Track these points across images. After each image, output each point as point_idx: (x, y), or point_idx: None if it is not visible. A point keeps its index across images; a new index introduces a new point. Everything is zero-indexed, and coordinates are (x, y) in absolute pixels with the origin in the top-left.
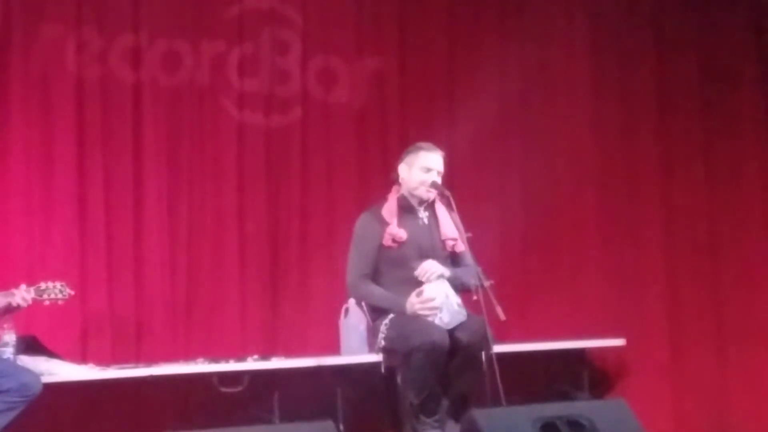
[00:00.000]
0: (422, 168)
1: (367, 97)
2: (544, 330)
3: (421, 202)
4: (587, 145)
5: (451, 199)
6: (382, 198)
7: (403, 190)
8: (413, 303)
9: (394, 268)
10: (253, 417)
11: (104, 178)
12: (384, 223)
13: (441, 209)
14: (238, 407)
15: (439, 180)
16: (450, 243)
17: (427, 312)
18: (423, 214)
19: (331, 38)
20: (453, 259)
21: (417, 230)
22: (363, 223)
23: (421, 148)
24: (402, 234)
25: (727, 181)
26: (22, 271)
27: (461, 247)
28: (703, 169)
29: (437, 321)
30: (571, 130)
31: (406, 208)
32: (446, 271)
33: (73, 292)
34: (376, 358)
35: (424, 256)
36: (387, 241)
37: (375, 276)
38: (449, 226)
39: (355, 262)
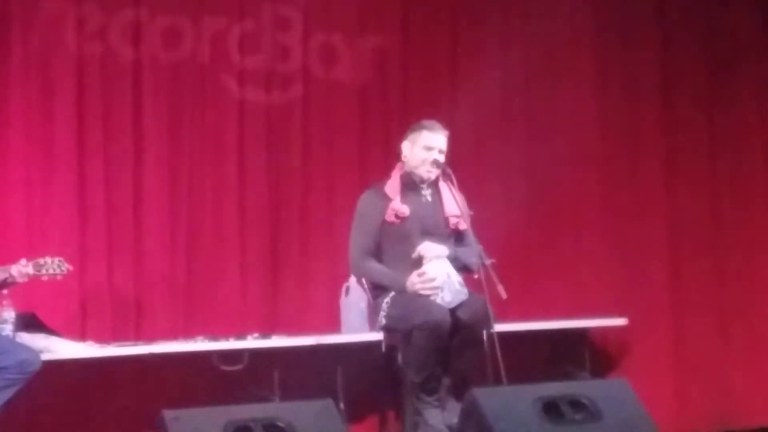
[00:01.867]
0: (424, 147)
1: (368, 75)
2: (545, 309)
3: (423, 180)
4: (590, 125)
5: (453, 176)
6: (385, 176)
7: (406, 168)
8: (414, 282)
9: (396, 245)
10: (253, 395)
11: (104, 154)
12: (387, 199)
13: (444, 187)
14: (238, 385)
15: (441, 159)
16: (453, 221)
17: (428, 291)
18: (426, 192)
19: (332, 15)
20: (455, 238)
21: (420, 207)
22: (366, 199)
23: (423, 127)
24: (405, 210)
25: (730, 158)
26: (21, 247)
27: (464, 225)
28: (706, 148)
29: (438, 300)
30: (575, 110)
31: (409, 185)
32: (445, 251)
33: (71, 268)
34: (377, 336)
35: (426, 233)
36: (390, 217)
37: (377, 252)
38: (452, 205)
39: (357, 239)
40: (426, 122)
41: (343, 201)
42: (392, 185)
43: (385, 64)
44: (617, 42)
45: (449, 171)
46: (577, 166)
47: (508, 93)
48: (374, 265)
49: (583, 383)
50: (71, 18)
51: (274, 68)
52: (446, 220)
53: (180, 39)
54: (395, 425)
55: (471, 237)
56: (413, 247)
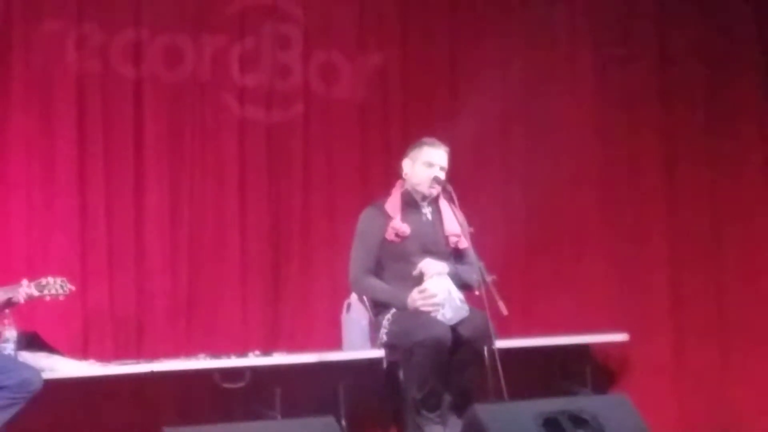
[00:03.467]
0: (425, 163)
1: (368, 93)
2: (546, 325)
3: (424, 197)
4: (590, 140)
5: (453, 194)
6: (386, 193)
7: (407, 185)
8: (415, 299)
9: (396, 263)
10: (254, 413)
11: (105, 173)
12: (387, 218)
13: (445, 205)
14: (240, 403)
15: (442, 175)
16: (453, 239)
17: (429, 308)
18: (427, 210)
19: (332, 33)
20: (456, 256)
21: (420, 225)
22: (366, 217)
23: (424, 144)
24: (405, 229)
25: (731, 175)
26: (23, 267)
27: (464, 243)
28: (706, 164)
29: (440, 317)
30: (574, 125)
31: (409, 203)
32: (445, 268)
33: (73, 288)
34: (378, 353)
35: (426, 251)
36: (390, 236)
37: (377, 270)
38: (452, 223)
39: (358, 256)
40: (427, 139)
41: (343, 218)
42: (393, 203)
43: (385, 82)
44: (616, 56)
45: (450, 188)
46: (578, 182)
47: (508, 109)
48: (374, 283)
49: (585, 399)
50: (72, 37)
51: (274, 86)
52: (446, 238)
53: (180, 57)
54: None
55: (472, 255)
56: (413, 265)
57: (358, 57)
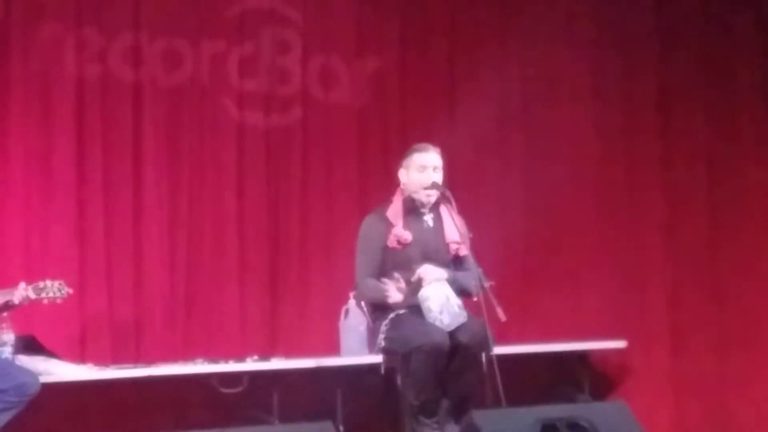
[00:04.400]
0: (418, 168)
1: (367, 97)
2: (544, 331)
3: (423, 204)
4: (588, 146)
5: (452, 199)
6: (385, 200)
7: (406, 194)
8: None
9: (398, 270)
10: (252, 418)
11: (103, 177)
12: (389, 225)
13: (445, 212)
14: (238, 408)
15: (438, 175)
16: (453, 247)
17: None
18: (428, 217)
19: (331, 38)
20: (456, 262)
21: (422, 233)
22: (368, 224)
23: (414, 150)
24: (407, 236)
25: (729, 181)
26: (21, 270)
27: (465, 250)
28: (704, 170)
29: (437, 323)
30: (572, 131)
31: (411, 210)
32: (444, 274)
33: (71, 291)
34: (376, 359)
35: (427, 259)
36: (392, 243)
37: (380, 277)
38: (453, 230)
39: (362, 264)
40: (416, 145)
41: (342, 223)
42: (394, 210)
43: (384, 86)
44: (615, 63)
45: (448, 194)
46: (576, 188)
47: (506, 114)
48: (369, 282)
49: (582, 405)
50: (71, 41)
51: (273, 91)
52: (447, 246)
53: (179, 62)
54: None
55: (470, 261)
56: (414, 272)
57: (357, 62)
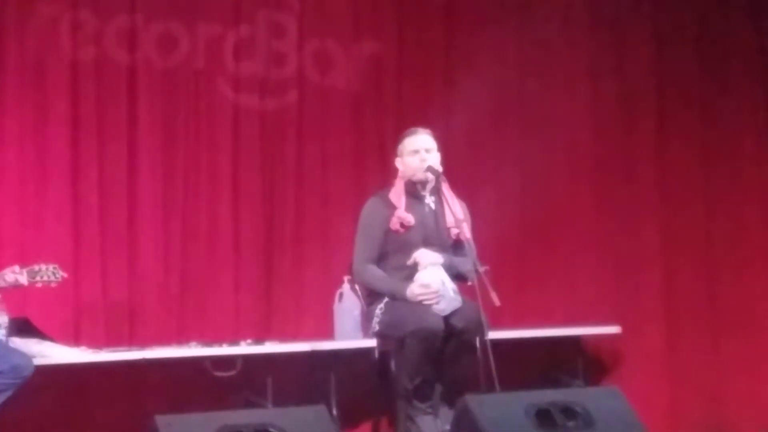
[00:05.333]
0: (410, 153)
1: (363, 81)
2: (539, 317)
3: (425, 186)
4: (584, 132)
5: (447, 184)
6: (382, 184)
7: (406, 179)
8: (415, 293)
9: (397, 253)
10: (246, 401)
11: (98, 160)
12: (392, 208)
13: (446, 196)
14: (232, 391)
15: (432, 156)
16: (454, 231)
17: (431, 296)
18: (429, 200)
19: (327, 22)
20: (456, 247)
21: (423, 216)
22: (370, 207)
23: (404, 136)
24: (410, 218)
25: (724, 167)
26: (15, 254)
27: (465, 234)
28: (699, 156)
29: (432, 308)
30: (569, 116)
31: (412, 194)
32: (440, 259)
33: (65, 275)
34: (370, 343)
35: (428, 242)
36: (394, 225)
37: (379, 261)
38: (452, 214)
39: (361, 246)
40: (406, 131)
41: (337, 207)
42: (396, 193)
43: (380, 70)
44: (611, 48)
45: (443, 178)
46: (572, 173)
47: (503, 99)
48: (376, 272)
49: (576, 391)
50: (66, 23)
51: (268, 74)
52: (448, 230)
53: (175, 45)
54: (388, 431)
55: (467, 246)
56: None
57: (353, 46)
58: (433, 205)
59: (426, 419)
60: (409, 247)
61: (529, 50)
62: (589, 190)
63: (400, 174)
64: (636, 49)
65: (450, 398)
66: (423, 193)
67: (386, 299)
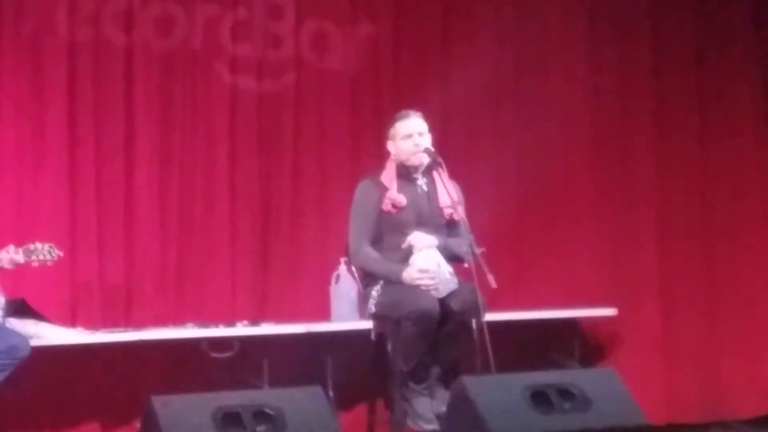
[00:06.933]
0: (403, 137)
1: (361, 63)
2: (535, 299)
3: (417, 168)
4: (581, 113)
5: (442, 164)
6: (378, 166)
7: (398, 162)
8: (413, 276)
9: (391, 234)
10: (242, 382)
11: (95, 141)
12: (383, 189)
13: (438, 177)
14: (228, 372)
15: (424, 139)
16: (447, 211)
17: (428, 282)
18: (421, 181)
19: (325, 3)
20: (450, 227)
21: (416, 197)
22: (362, 189)
23: (396, 120)
24: (402, 199)
25: (722, 149)
26: (11, 234)
27: (459, 215)
28: (697, 139)
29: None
30: (566, 99)
31: (404, 176)
32: (435, 241)
33: (62, 254)
34: (367, 324)
35: (421, 223)
36: (386, 206)
37: (373, 243)
38: (446, 195)
39: (357, 228)
40: (397, 114)
41: (334, 189)
42: (388, 175)
43: (378, 53)
44: (610, 31)
45: (440, 160)
46: (568, 156)
47: (500, 82)
48: (373, 255)
49: (572, 372)
50: (63, 4)
51: (266, 56)
52: (441, 210)
53: (172, 26)
54: (384, 413)
55: (462, 227)
56: (407, 237)
57: (350, 27)
58: (425, 186)
59: (422, 401)
60: (402, 228)
61: (527, 32)
62: (586, 172)
63: (392, 157)
64: (634, 36)
65: (446, 380)
66: (415, 176)
67: (382, 281)
